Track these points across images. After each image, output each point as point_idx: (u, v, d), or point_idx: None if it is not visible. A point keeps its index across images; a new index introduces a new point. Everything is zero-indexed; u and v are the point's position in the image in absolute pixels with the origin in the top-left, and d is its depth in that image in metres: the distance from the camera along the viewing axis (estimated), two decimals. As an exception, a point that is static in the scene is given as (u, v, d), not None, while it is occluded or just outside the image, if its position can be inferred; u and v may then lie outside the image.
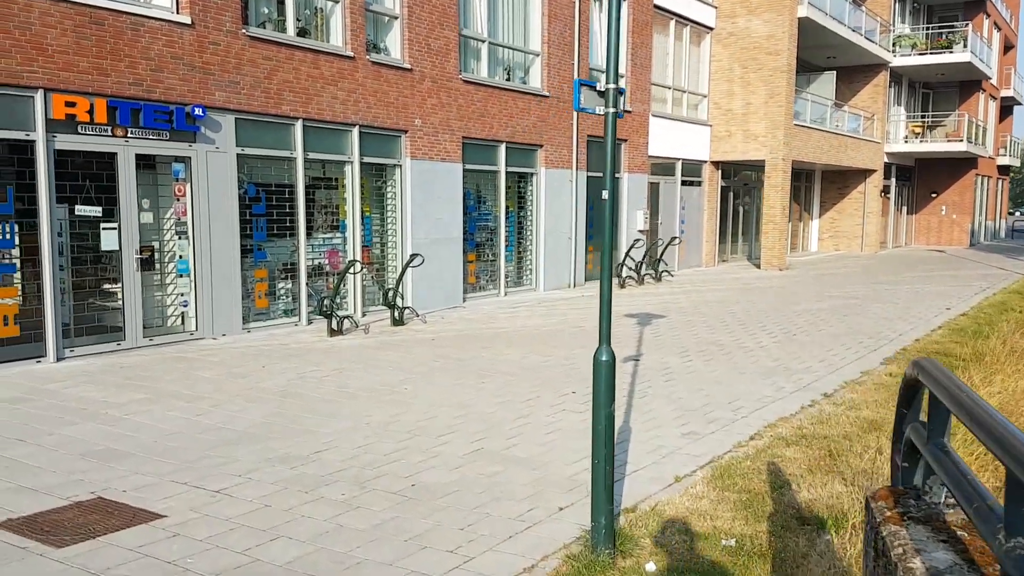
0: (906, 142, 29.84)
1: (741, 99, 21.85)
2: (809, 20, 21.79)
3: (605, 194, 4.68)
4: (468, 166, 14.84)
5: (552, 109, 16.58)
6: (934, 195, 32.84)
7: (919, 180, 33.20)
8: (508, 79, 15.86)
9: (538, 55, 16.29)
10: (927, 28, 30.69)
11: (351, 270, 11.77)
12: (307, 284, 12.08)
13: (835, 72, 25.91)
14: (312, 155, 12.10)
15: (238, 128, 11.10)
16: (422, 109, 13.69)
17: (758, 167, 25.21)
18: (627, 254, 17.62)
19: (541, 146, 16.46)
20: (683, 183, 21.53)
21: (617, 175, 18.54)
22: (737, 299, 15.81)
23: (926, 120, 31.53)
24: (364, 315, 13.00)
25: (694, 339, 11.36)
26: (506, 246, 15.91)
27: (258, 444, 6.36)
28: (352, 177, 12.74)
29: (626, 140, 18.88)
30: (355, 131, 12.64)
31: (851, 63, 27.66)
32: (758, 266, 23.09)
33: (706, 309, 14.35)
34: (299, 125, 11.82)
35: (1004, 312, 14.34)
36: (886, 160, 29.40)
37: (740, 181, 24.34)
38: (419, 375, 8.88)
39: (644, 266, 18.02)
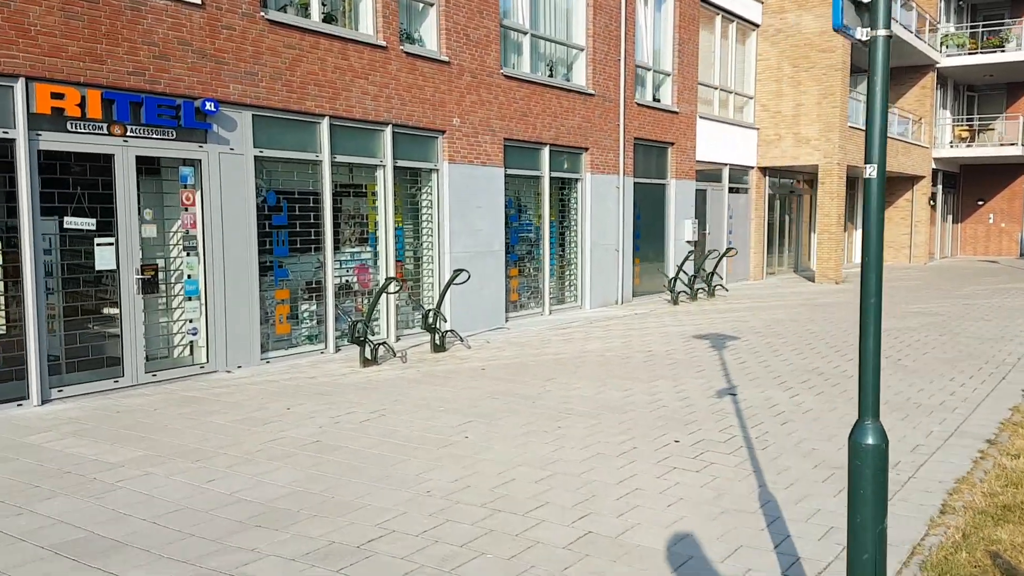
0: (952, 147, 28.20)
1: (791, 100, 20.28)
2: (863, 14, 20.23)
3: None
4: (510, 171, 13.31)
5: (597, 109, 15.04)
6: (981, 203, 31.15)
7: (964, 187, 31.52)
8: (551, 75, 14.34)
9: (583, 50, 14.76)
10: (970, 27, 29.10)
11: (388, 289, 10.24)
12: (336, 306, 10.53)
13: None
14: (340, 158, 10.59)
15: (256, 126, 9.59)
16: (460, 107, 12.18)
17: (805, 173, 23.57)
18: (680, 267, 16.01)
19: (587, 149, 14.91)
20: (730, 190, 19.94)
21: (663, 181, 17.01)
22: (810, 316, 14.18)
23: (973, 124, 29.90)
24: (398, 340, 11.44)
25: (786, 366, 9.73)
26: (550, 260, 14.34)
27: (290, 527, 4.78)
28: (384, 183, 11.22)
29: (673, 143, 17.32)
30: (387, 131, 11.13)
31: (898, 64, 26.08)
32: (810, 279, 21.44)
33: (780, 328, 12.72)
34: (325, 123, 10.31)
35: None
36: (933, 166, 27.76)
37: (786, 187, 22.73)
38: (478, 418, 7.29)
39: (697, 280, 16.40)
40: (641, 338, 11.81)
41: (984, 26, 27.88)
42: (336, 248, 10.70)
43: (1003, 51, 26.18)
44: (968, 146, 28.38)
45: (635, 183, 16.27)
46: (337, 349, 10.59)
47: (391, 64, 11.04)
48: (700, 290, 16.89)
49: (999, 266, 26.53)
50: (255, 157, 9.60)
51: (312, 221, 10.36)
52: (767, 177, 21.24)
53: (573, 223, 14.96)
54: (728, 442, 6.55)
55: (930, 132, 27.16)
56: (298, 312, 10.28)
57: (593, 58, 14.83)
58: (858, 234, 28.23)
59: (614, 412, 7.53)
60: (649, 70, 16.65)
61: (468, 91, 12.28)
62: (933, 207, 28.83)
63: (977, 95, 30.83)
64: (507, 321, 13.33)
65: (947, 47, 27.16)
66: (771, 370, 9.52)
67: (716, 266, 17.30)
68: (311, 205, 10.35)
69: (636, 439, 6.63)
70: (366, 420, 7.22)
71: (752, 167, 20.73)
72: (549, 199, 14.17)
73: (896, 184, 27.59)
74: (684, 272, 16.53)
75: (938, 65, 26.62)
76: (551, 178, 14.21)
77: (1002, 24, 27.88)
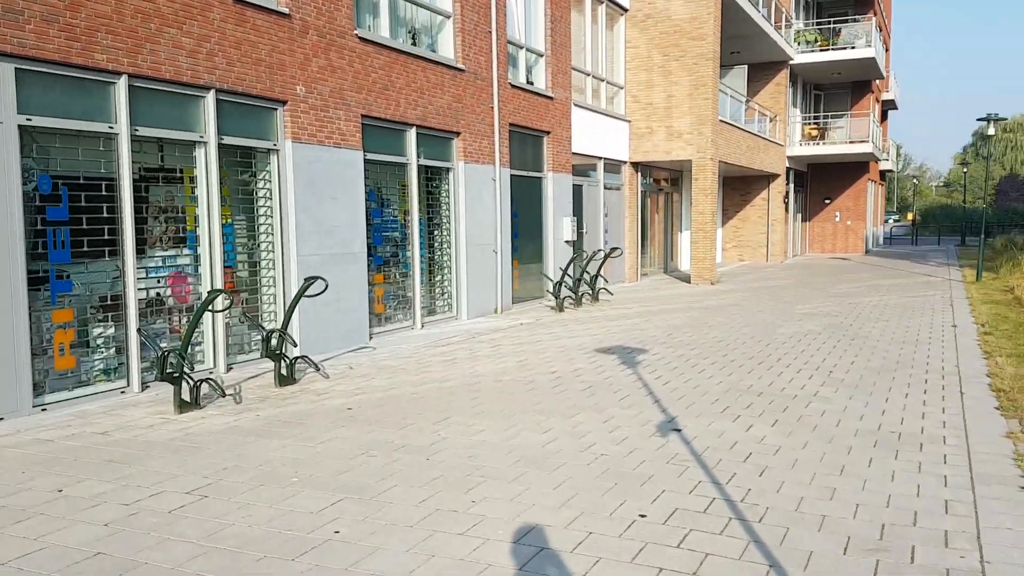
0: (802, 145, 28.47)
1: (662, 91, 19.16)
2: (732, 2, 19.45)
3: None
4: (371, 155, 11.04)
5: (469, 87, 13.02)
6: (828, 201, 31.86)
7: (812, 186, 32.14)
8: (414, 43, 12.18)
9: (449, 16, 12.69)
10: (817, 23, 29.58)
11: (214, 305, 7.72)
12: (139, 329, 7.87)
13: (746, 67, 23.90)
14: (144, 131, 7.95)
15: (21, 84, 6.85)
16: (306, 73, 9.78)
17: (671, 171, 22.65)
18: (565, 271, 14.26)
19: (458, 134, 12.85)
20: (604, 186, 18.53)
21: (540, 174, 15.24)
22: (706, 321, 12.82)
23: (820, 122, 30.44)
24: (229, 370, 8.89)
25: (716, 385, 8.11)
26: (420, 263, 12.16)
27: None
28: (206, 166, 8.65)
29: (549, 132, 15.60)
30: (210, 97, 8.57)
31: (755, 59, 25.85)
32: (684, 280, 20.43)
33: (684, 337, 11.21)
34: (122, 84, 7.66)
35: (1005, 320, 12.16)
36: (786, 165, 27.87)
37: (652, 186, 21.69)
38: (352, 494, 5.05)
39: (578, 283, 14.74)
40: (538, 355, 9.88)
41: (835, 22, 28.30)
42: (140, 251, 8.05)
43: (854, 48, 26.58)
44: (817, 144, 28.76)
45: (512, 176, 14.39)
46: (144, 387, 7.94)
47: (213, 11, 8.50)
48: (584, 295, 15.24)
49: (852, 263, 26.90)
50: (20, 127, 6.85)
51: (106, 216, 7.67)
52: (639, 172, 20.04)
53: (445, 220, 12.85)
54: (709, 511, 4.70)
55: (784, 130, 27.19)
56: (88, 339, 7.55)
57: (462, 27, 12.79)
58: (718, 233, 27.87)
59: (540, 468, 5.51)
60: (521, 48, 14.82)
61: (316, 53, 9.90)
62: (787, 205, 28.99)
63: (823, 94, 31.49)
64: (372, 339, 11.04)
65: (800, 44, 27.31)
66: (702, 391, 7.85)
67: (600, 268, 15.73)
68: (104, 194, 7.66)
69: (586, 515, 4.64)
70: (179, 508, 4.80)
71: (625, 161, 19.45)
72: (418, 191, 11.99)
73: (754, 183, 27.44)
74: (568, 275, 14.82)
75: (791, 62, 26.67)
76: (419, 166, 12.04)
77: (846, 19, 28.41)
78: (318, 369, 8.59)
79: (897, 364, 9.24)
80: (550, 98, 15.50)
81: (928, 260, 28.16)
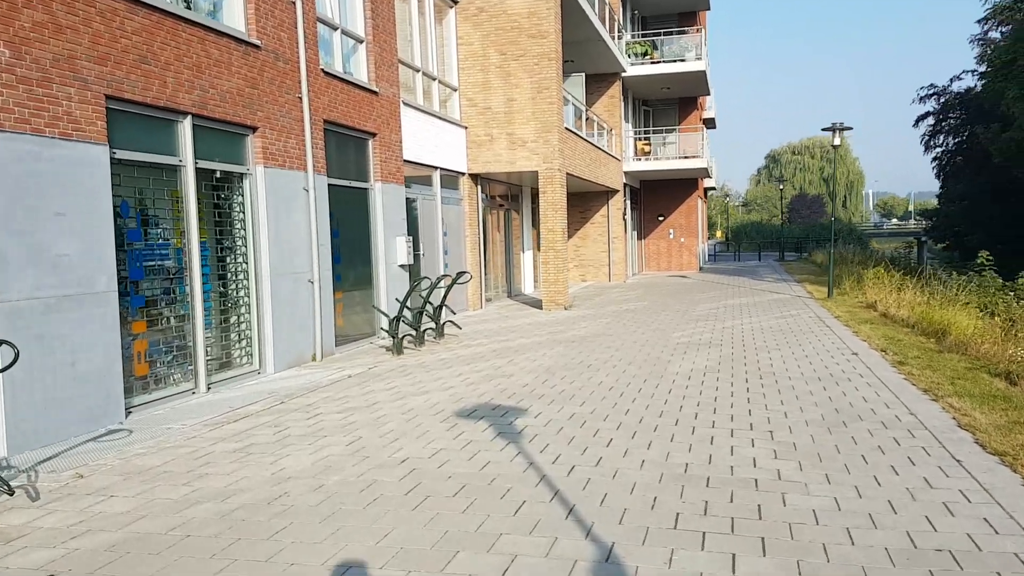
0: (635, 160, 27.38)
1: (502, 94, 16.90)
2: (570, 0, 17.61)
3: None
4: (122, 153, 7.75)
5: (268, 70, 9.99)
6: (661, 218, 31.13)
7: (645, 203, 31.31)
8: (188, 6, 9.00)
9: (240, -24, 9.64)
10: (642, 34, 28.79)
11: None
12: None
13: (583, 75, 22.26)
14: None
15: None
16: (10, 28, 6.45)
17: (511, 185, 20.44)
18: (404, 302, 11.40)
19: (255, 129, 9.76)
20: (442, 201, 15.92)
21: (366, 184, 12.42)
22: (580, 359, 10.47)
23: (651, 138, 29.61)
24: None
25: (639, 468, 5.66)
26: (204, 302, 8.92)
27: None
28: None
29: (375, 134, 12.78)
30: None
31: (589, 70, 24.37)
32: (534, 305, 18.17)
33: (563, 385, 8.77)
34: None
35: (900, 343, 10.83)
36: (623, 180, 26.64)
37: (494, 200, 19.39)
38: None
39: (419, 317, 11.97)
40: (376, 429, 7.02)
41: (664, 33, 27.52)
42: None
43: (684, 61, 25.80)
44: (650, 160, 27.79)
45: (331, 185, 11.44)
46: None
47: None
48: (427, 330, 12.50)
49: (693, 281, 25.96)
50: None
51: None
52: (479, 186, 17.62)
53: (240, 243, 9.68)
54: None
55: (620, 144, 25.93)
56: None
57: (258, -8, 9.77)
58: (528, 257, 26.02)
59: None
60: (336, 29, 11.95)
61: (27, 1, 6.59)
62: (626, 223, 27.76)
63: (652, 110, 30.78)
64: (129, 415, 7.68)
65: (631, 55, 26.22)
66: (625, 482, 5.37)
67: (446, 297, 13.03)
68: None
69: None
70: None
71: (463, 173, 16.96)
72: (197, 205, 8.78)
73: (592, 199, 25.94)
74: (407, 308, 12.01)
75: (624, 74, 25.48)
76: (199, 170, 8.84)
77: (673, 31, 27.74)
78: (11, 493, 5.24)
79: (839, 414, 7.26)
80: (374, 92, 12.71)
81: (762, 276, 27.86)
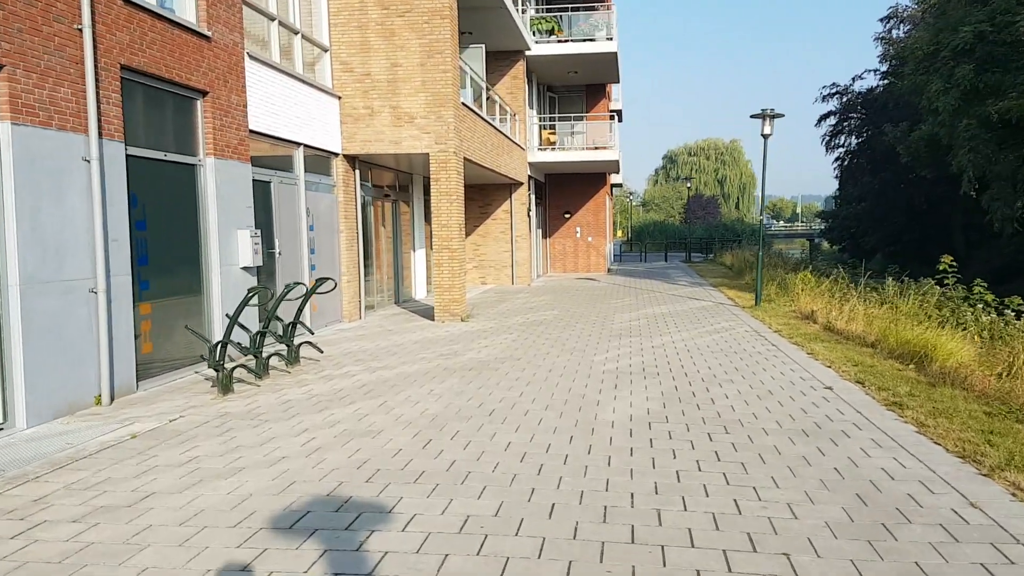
0: (541, 150, 24.83)
1: (384, 58, 13.92)
2: (472, -49, 14.81)
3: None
4: None
5: (19, -21, 6.74)
6: (568, 215, 28.75)
7: (551, 199, 28.87)
8: None
9: None
10: (548, 8, 26.30)
11: None
12: None
13: (483, 47, 19.48)
14: None
15: None
16: None
17: (402, 170, 17.45)
18: (234, 319, 8.27)
19: (-12, 62, 6.52)
20: (308, 187, 12.82)
21: (192, 159, 9.27)
22: (478, 400, 7.70)
23: (556, 126, 27.15)
24: None
25: None
26: None
27: None
28: None
29: (206, 92, 9.61)
30: None
31: (490, 45, 21.64)
32: (425, 315, 15.25)
33: (452, 452, 5.97)
34: None
35: (876, 373, 8.61)
36: (528, 173, 24.06)
37: (378, 189, 16.38)
38: None
39: (260, 339, 8.88)
40: (125, 564, 4.01)
41: (572, 8, 25.06)
42: None
43: (593, 40, 23.41)
44: (556, 150, 25.29)
45: (131, 157, 8.22)
46: None
47: None
48: (276, 355, 9.43)
49: (603, 285, 23.63)
50: None
51: None
52: (357, 170, 14.58)
53: (-41, 235, 6.42)
54: None
55: (524, 131, 23.32)
56: None
57: None
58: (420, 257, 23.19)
59: None
60: (150, -54, 8.72)
61: None
62: (531, 220, 25.19)
63: (558, 97, 28.34)
64: None
65: (537, 32, 23.65)
66: None
67: (300, 312, 9.95)
68: None
69: None
70: None
71: (336, 153, 13.89)
72: None
73: (494, 192, 23.24)
74: (244, 328, 8.90)
75: (529, 53, 22.88)
76: None
77: (581, 7, 25.35)
78: None
79: (869, 507, 4.78)
80: (205, 37, 9.53)
81: (675, 279, 25.85)
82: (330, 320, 13.59)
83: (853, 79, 48.92)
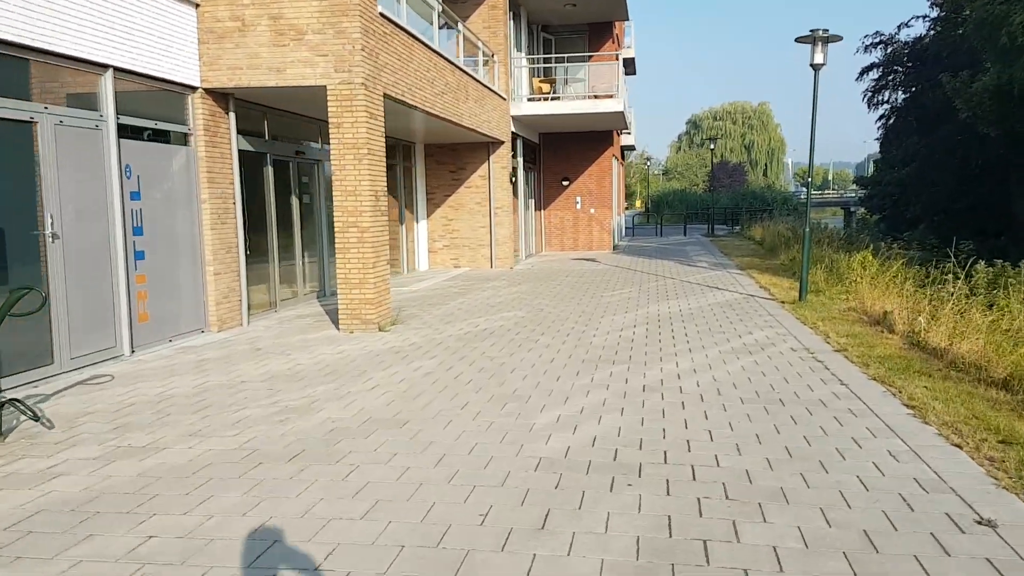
0: (530, 101, 20.23)
1: (265, -50, 9.52)
2: None
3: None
4: None
5: None
6: (566, 183, 24.26)
7: (546, 162, 24.37)
8: None
9: None
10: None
11: None
12: None
13: (442, -39, 14.96)
14: None
15: None
16: None
17: (299, 114, 13.05)
18: None
19: None
20: (125, 134, 8.49)
21: None
22: (301, 560, 3.47)
23: (552, 72, 22.55)
24: None
25: None
26: None
27: None
28: None
29: None
30: None
31: (460, -34, 17.14)
32: (348, 326, 10.94)
33: None
34: None
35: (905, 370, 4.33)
36: (512, 129, 19.61)
37: (286, 144, 12.06)
38: None
39: None
40: None
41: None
42: None
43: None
44: (551, 100, 20.65)
45: None
46: None
47: None
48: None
49: (603, 267, 19.22)
50: None
51: None
52: (231, 112, 10.23)
53: None
54: None
55: (506, 77, 18.84)
56: None
57: None
58: (422, 227, 18.85)
59: None
60: None
61: None
62: (514, 186, 20.77)
63: (555, 39, 23.70)
64: None
65: (522, -45, 19.05)
66: None
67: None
68: None
69: None
70: None
71: (194, 87, 9.55)
72: None
73: (467, 154, 18.84)
74: None
75: (512, -20, 18.34)
76: None
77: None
78: None
79: None
80: None
81: (693, 259, 21.35)
82: (184, 331, 9.35)
83: (899, 27, 43.59)
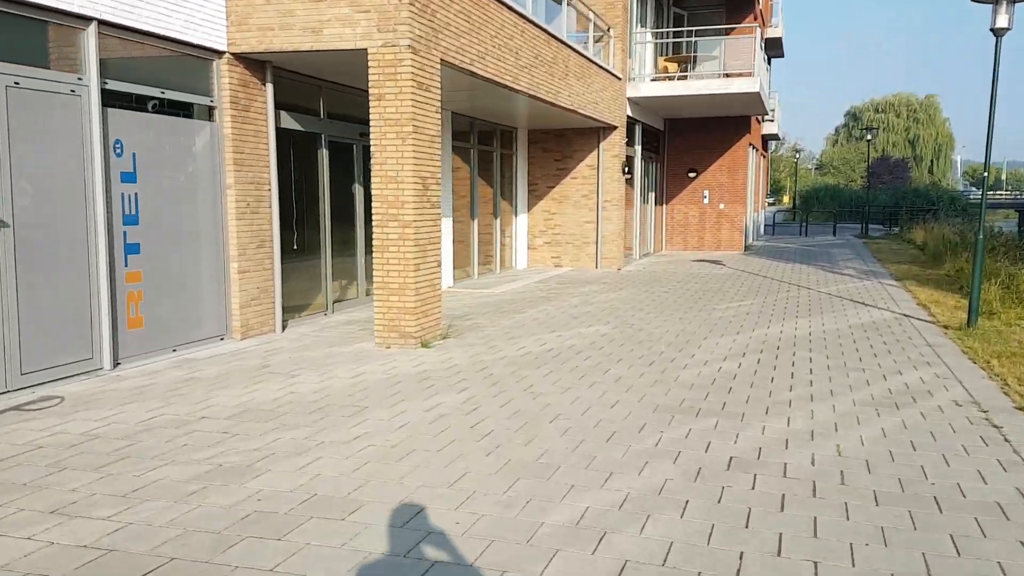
0: (652, 81, 17.93)
1: None
2: None
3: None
4: None
5: None
6: (693, 175, 21.79)
7: (671, 152, 21.99)
8: None
9: None
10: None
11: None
12: None
13: (543, -83, 13.05)
14: None
15: None
16: None
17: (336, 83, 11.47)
18: None
19: None
20: (116, 101, 7.16)
21: None
22: None
23: (682, 47, 20.15)
24: None
25: None
26: None
27: None
28: None
29: None
30: None
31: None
32: (384, 340, 9.35)
33: None
34: None
35: None
36: (628, 113, 17.47)
37: (349, 125, 10.58)
38: None
39: None
40: None
41: None
42: None
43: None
44: (679, 78, 18.25)
45: None
46: None
47: None
48: None
49: (728, 272, 16.78)
50: None
51: None
52: (271, 83, 8.80)
53: None
54: None
55: (623, 54, 16.71)
56: None
57: None
58: (520, 221, 17.08)
59: None
60: None
61: None
62: (629, 178, 18.62)
63: (687, 14, 21.25)
64: None
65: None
66: None
67: None
68: None
69: None
70: None
71: (220, 51, 8.17)
72: None
73: (575, 140, 16.88)
74: None
75: (633, -57, 16.16)
76: None
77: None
78: None
79: None
80: None
81: (838, 266, 18.43)
82: (197, 338, 8.01)
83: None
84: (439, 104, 8.47)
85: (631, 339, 8.80)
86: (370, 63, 7.91)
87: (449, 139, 13.43)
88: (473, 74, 9.40)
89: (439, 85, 8.44)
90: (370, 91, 7.94)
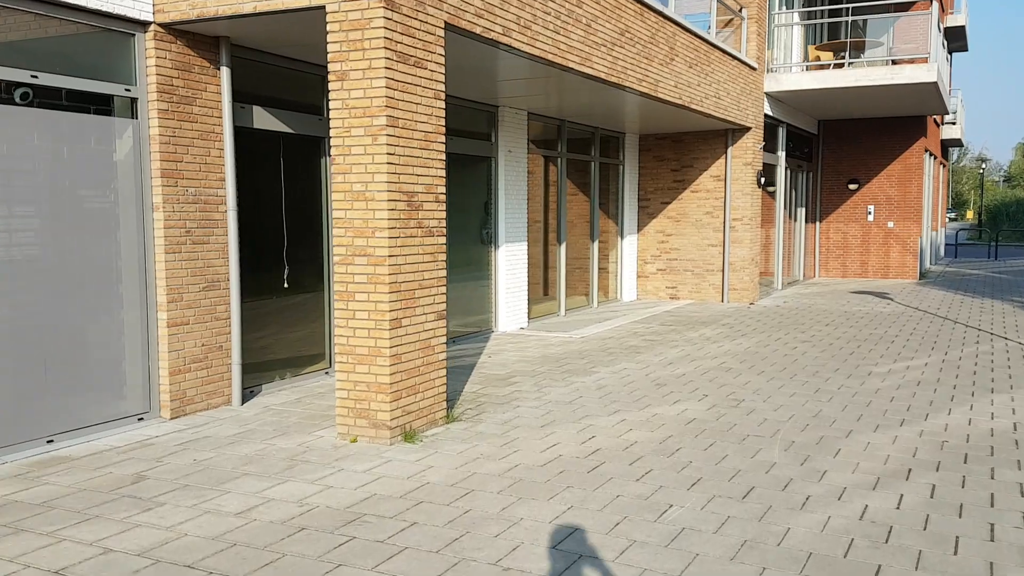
0: (800, 71, 14.44)
1: None
2: None
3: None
4: None
5: None
6: (854, 186, 17.95)
7: (825, 159, 18.26)
8: None
9: None
10: None
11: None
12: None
13: None
14: None
15: None
16: None
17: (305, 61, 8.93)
18: None
19: None
20: (23, 100, 5.07)
21: None
22: None
23: (842, 31, 16.48)
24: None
25: None
26: None
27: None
28: None
29: None
30: None
31: None
32: (348, 430, 6.81)
33: None
34: None
35: None
36: (767, 111, 14.15)
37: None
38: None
39: None
40: None
41: None
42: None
43: None
44: (838, 64, 14.63)
45: None
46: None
47: None
48: None
49: (892, 310, 13.06)
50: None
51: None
52: (227, 67, 6.51)
53: None
54: None
55: (760, 40, 13.47)
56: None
57: None
58: (627, 243, 14.12)
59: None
60: None
61: None
62: (771, 192, 15.23)
63: (846, 4, 17.55)
64: None
65: None
66: None
67: None
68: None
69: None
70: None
71: (143, 22, 5.95)
72: None
73: (695, 144, 13.79)
74: None
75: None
76: None
77: None
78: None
79: None
80: None
81: (1049, 300, 14.15)
82: (113, 416, 5.78)
83: None
84: (442, 89, 5.85)
85: (729, 433, 5.76)
86: (328, 27, 5.43)
87: (524, 147, 10.79)
88: (511, 48, 6.72)
89: (442, 61, 5.83)
90: (330, 68, 5.45)
